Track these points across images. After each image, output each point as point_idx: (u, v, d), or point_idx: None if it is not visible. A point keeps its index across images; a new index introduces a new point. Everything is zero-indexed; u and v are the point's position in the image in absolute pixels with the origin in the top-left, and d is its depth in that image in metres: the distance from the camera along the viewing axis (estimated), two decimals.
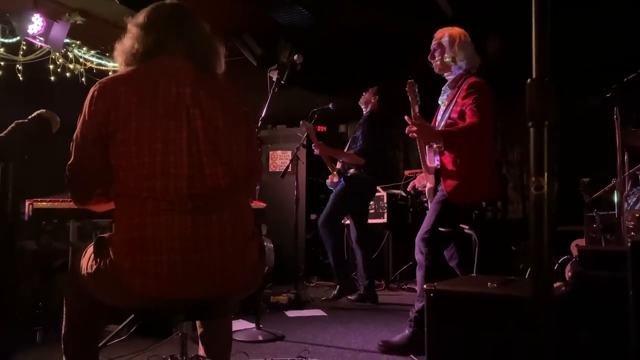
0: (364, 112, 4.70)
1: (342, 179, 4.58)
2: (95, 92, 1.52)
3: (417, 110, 2.88)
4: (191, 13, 1.69)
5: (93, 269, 1.52)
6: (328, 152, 4.68)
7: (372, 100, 4.66)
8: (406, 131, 2.87)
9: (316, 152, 4.75)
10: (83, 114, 1.52)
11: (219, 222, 1.52)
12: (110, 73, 4.35)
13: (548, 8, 0.93)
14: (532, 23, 0.93)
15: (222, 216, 1.53)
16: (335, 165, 4.73)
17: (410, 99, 2.92)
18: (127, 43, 1.63)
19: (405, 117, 2.86)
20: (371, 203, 5.47)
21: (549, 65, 0.91)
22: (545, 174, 0.87)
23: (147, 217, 1.45)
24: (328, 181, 4.79)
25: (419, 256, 2.87)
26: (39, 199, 2.04)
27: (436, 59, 3.03)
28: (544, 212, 0.87)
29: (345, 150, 4.68)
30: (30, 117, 1.38)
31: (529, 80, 0.92)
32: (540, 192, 0.86)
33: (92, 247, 1.59)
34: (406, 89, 2.94)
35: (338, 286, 4.41)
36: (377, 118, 4.62)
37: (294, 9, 4.76)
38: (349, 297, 4.57)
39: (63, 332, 1.69)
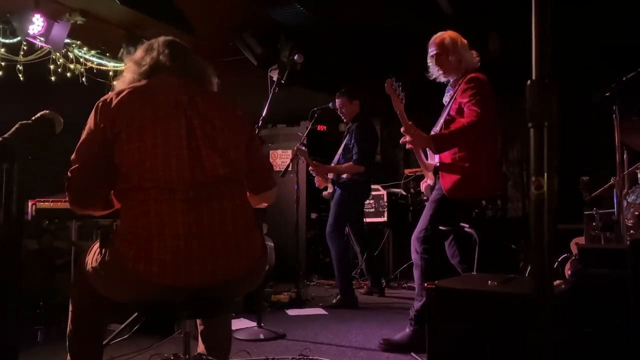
0: (350, 122, 4.70)
1: (336, 186, 4.60)
2: (100, 104, 1.61)
3: (402, 109, 2.83)
4: (183, 44, 1.83)
5: (98, 262, 1.56)
6: (325, 170, 4.73)
7: (352, 108, 4.66)
8: (400, 142, 2.89)
9: (313, 172, 4.82)
10: (88, 125, 1.60)
11: (220, 211, 1.58)
12: (110, 73, 4.37)
13: (548, 8, 0.93)
14: (533, 23, 0.93)
15: (223, 205, 1.60)
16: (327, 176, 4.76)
17: (392, 99, 2.87)
18: (127, 76, 1.75)
19: (402, 131, 2.88)
20: (371, 202, 5.52)
21: (550, 66, 0.91)
22: (545, 174, 0.88)
23: (150, 205, 1.51)
24: (325, 193, 4.81)
25: (414, 255, 2.88)
26: (42, 199, 2.06)
27: (442, 62, 2.94)
28: (545, 211, 0.88)
29: (336, 158, 4.70)
30: (34, 117, 1.39)
31: (529, 82, 0.93)
32: (541, 191, 0.87)
33: (98, 242, 1.63)
34: (386, 90, 2.88)
35: (339, 296, 4.37)
36: (363, 121, 4.65)
37: (293, 7, 4.76)
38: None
39: (68, 330, 1.72)
